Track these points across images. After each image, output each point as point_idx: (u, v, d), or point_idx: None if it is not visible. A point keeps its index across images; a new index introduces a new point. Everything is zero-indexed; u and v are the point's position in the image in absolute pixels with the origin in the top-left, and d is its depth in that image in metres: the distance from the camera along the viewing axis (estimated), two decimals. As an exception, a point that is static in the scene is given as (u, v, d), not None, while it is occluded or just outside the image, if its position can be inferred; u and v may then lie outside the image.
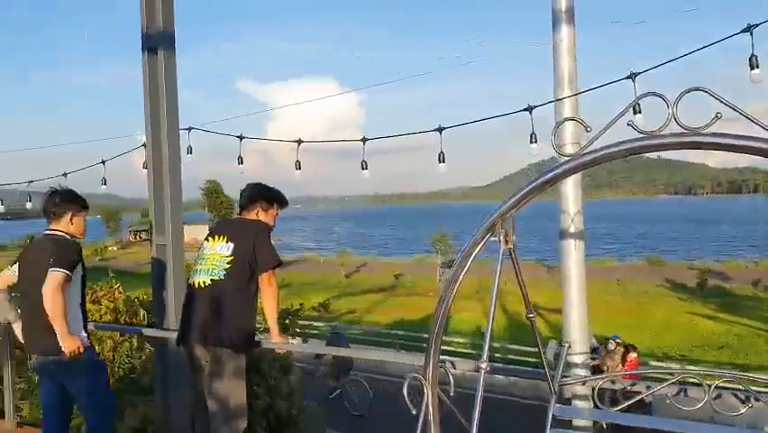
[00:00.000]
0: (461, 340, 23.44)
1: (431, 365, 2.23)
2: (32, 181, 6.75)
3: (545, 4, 3.98)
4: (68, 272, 3.85)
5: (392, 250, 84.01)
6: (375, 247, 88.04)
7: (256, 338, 4.18)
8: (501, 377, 11.63)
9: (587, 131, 1.86)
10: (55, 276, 3.79)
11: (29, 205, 6.97)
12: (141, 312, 6.40)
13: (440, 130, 5.04)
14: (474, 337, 23.96)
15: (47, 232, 4.11)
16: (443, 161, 5.23)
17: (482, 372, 2.06)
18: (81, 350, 3.92)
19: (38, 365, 4.13)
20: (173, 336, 4.31)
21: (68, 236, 4.10)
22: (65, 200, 4.15)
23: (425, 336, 2.38)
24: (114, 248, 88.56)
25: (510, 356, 20.60)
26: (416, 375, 2.22)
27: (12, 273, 4.19)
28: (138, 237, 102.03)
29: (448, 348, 21.16)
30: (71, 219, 4.12)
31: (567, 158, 1.81)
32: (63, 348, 3.84)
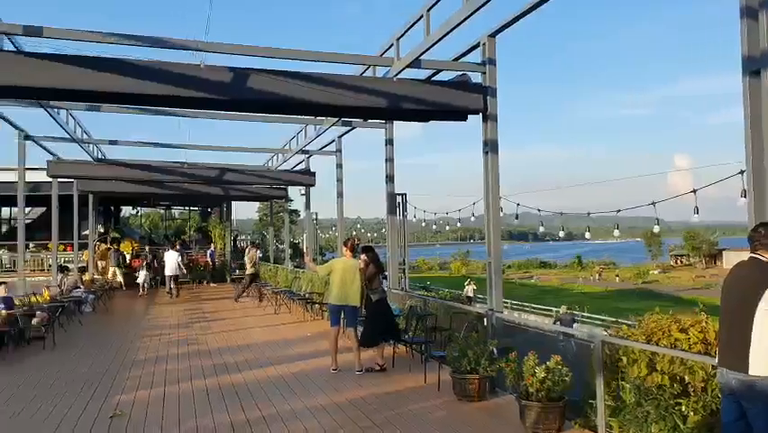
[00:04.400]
0: None
1: None
2: (619, 211, 7.26)
3: None
4: None
5: None
6: None
7: None
8: None
9: None
10: None
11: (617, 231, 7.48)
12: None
13: None
14: None
15: (752, 255, 4.32)
16: None
17: None
18: None
19: (721, 380, 4.35)
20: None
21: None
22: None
23: None
24: (655, 272, 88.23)
25: None
26: None
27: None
28: (679, 262, 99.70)
29: None
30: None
31: None
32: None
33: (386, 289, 10.30)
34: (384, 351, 9.47)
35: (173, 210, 49.77)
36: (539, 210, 11.02)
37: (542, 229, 12.21)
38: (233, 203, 34.83)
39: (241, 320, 15.60)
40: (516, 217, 11.52)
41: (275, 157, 21.65)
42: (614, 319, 28.01)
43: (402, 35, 9.24)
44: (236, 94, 8.59)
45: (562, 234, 11.56)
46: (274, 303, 17.54)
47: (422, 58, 9.12)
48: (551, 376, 6.15)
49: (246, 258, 21.22)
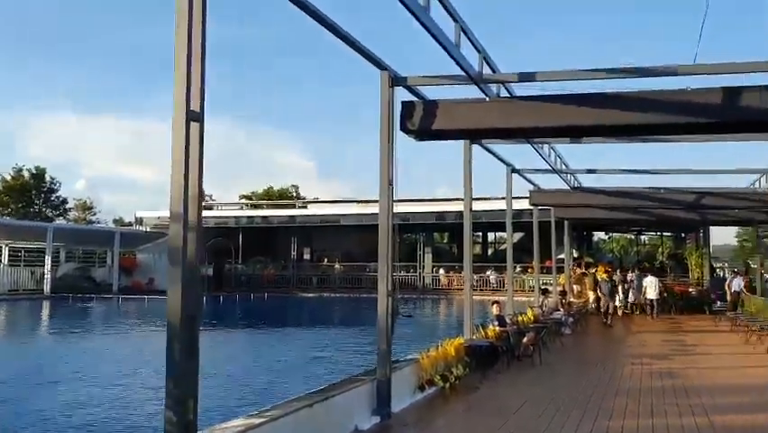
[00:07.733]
0: None
1: None
2: None
3: None
4: None
5: None
6: None
7: None
8: None
9: None
10: None
11: None
12: None
13: None
14: None
15: None
16: None
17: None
18: None
19: None
20: None
21: None
22: None
23: None
24: None
25: None
26: None
27: None
28: None
29: None
30: None
31: None
32: None
33: None
34: None
35: (642, 235, 48.94)
36: None
37: None
38: (711, 228, 32.46)
39: (725, 357, 14.37)
40: None
41: (763, 177, 19.43)
42: None
43: None
44: (725, 115, 8.04)
45: None
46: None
47: None
48: None
49: None
